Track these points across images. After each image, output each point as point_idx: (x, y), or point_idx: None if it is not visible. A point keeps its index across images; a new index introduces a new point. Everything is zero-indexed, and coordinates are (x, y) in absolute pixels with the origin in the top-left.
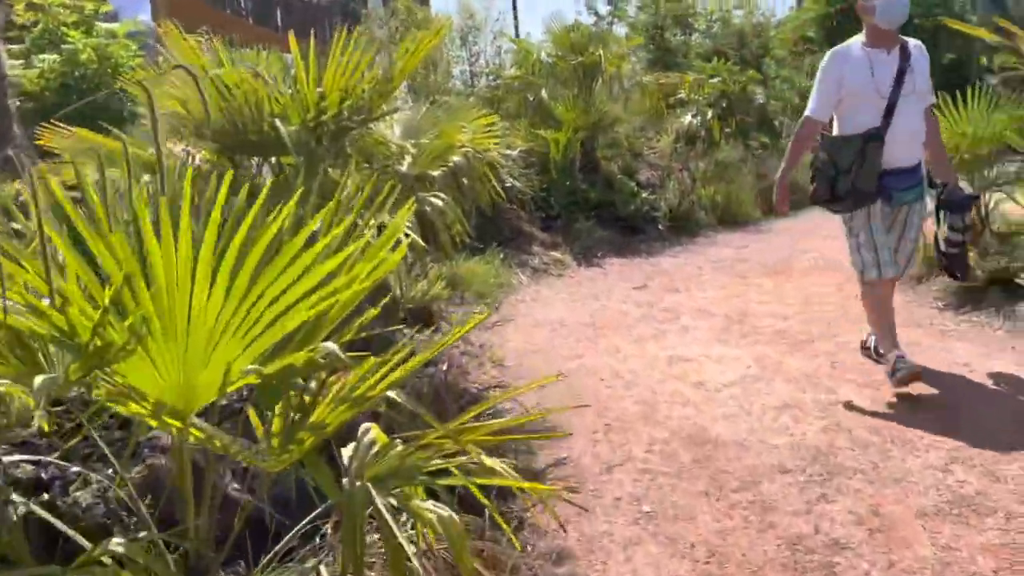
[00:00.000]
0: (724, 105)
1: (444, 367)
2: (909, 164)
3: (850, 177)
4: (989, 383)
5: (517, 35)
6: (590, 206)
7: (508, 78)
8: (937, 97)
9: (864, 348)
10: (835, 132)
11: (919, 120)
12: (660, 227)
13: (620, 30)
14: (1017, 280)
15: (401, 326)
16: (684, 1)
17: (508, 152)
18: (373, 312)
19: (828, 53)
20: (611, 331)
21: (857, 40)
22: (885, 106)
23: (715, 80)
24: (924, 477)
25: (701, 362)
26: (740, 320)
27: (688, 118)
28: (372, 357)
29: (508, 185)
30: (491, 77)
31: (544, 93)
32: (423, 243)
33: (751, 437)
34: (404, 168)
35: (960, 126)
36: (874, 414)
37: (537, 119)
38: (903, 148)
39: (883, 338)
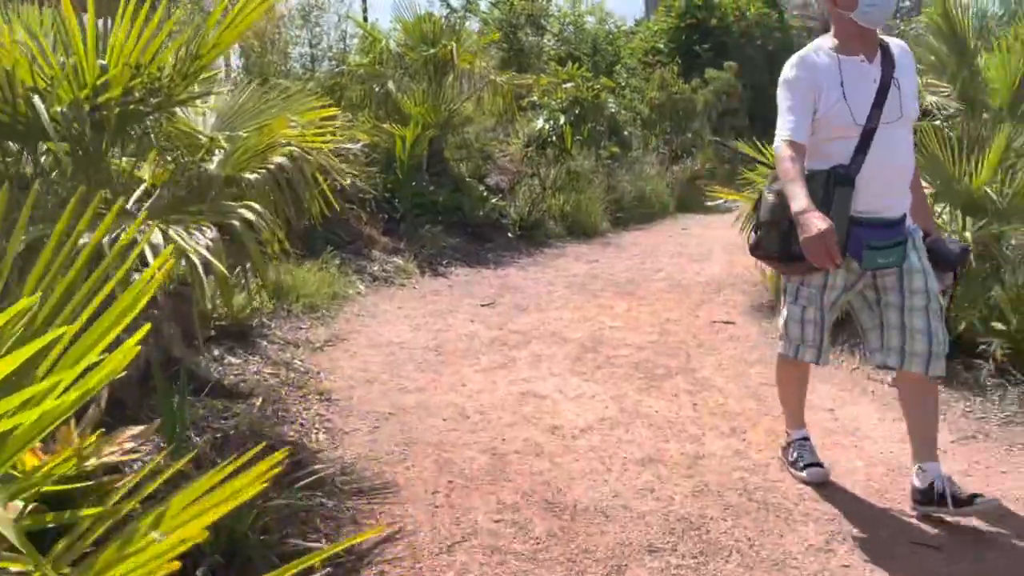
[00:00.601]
0: (577, 112)
1: (258, 402)
2: (892, 215)
3: None
4: (854, 430)
5: (365, 19)
6: (437, 210)
7: (353, 65)
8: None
9: (784, 451)
10: None
11: (907, 154)
12: (509, 235)
13: (473, 25)
14: None
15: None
16: (538, 1)
17: (349, 147)
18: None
19: (792, 60)
20: (457, 358)
21: (822, 44)
22: (859, 135)
23: (569, 85)
24: (805, 561)
25: (556, 400)
26: (595, 348)
27: (540, 122)
28: None
29: (348, 183)
30: (333, 63)
31: (391, 85)
32: (223, 270)
33: (614, 502)
34: (212, 168)
35: None
36: (743, 470)
37: (383, 112)
38: (883, 193)
39: (789, 416)
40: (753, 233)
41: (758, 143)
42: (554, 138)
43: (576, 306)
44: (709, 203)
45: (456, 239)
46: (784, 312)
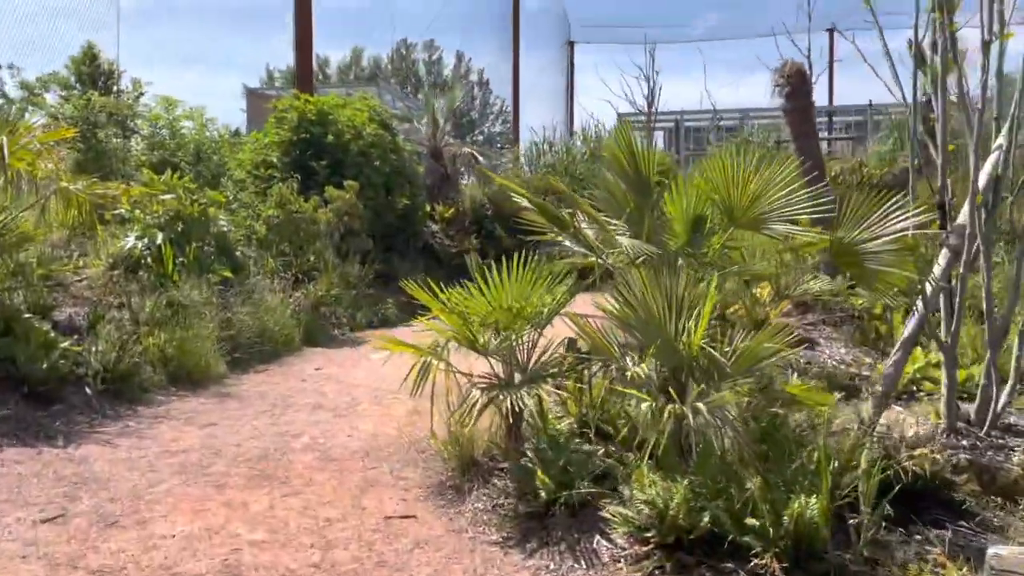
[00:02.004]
0: (180, 228)
1: None
2: None
3: None
4: None
5: None
6: None
7: None
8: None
9: None
10: None
11: None
12: (89, 391)
13: (37, 120)
14: (591, 499)
15: None
16: (122, 99)
17: None
18: None
19: None
20: None
21: None
22: None
23: (169, 197)
24: None
25: None
26: None
27: (131, 240)
28: None
29: None
30: None
31: None
32: None
33: None
34: None
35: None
36: None
37: None
38: None
39: None
40: None
41: (436, 286)
42: (149, 260)
43: (194, 507)
44: (339, 335)
45: (4, 405)
46: None
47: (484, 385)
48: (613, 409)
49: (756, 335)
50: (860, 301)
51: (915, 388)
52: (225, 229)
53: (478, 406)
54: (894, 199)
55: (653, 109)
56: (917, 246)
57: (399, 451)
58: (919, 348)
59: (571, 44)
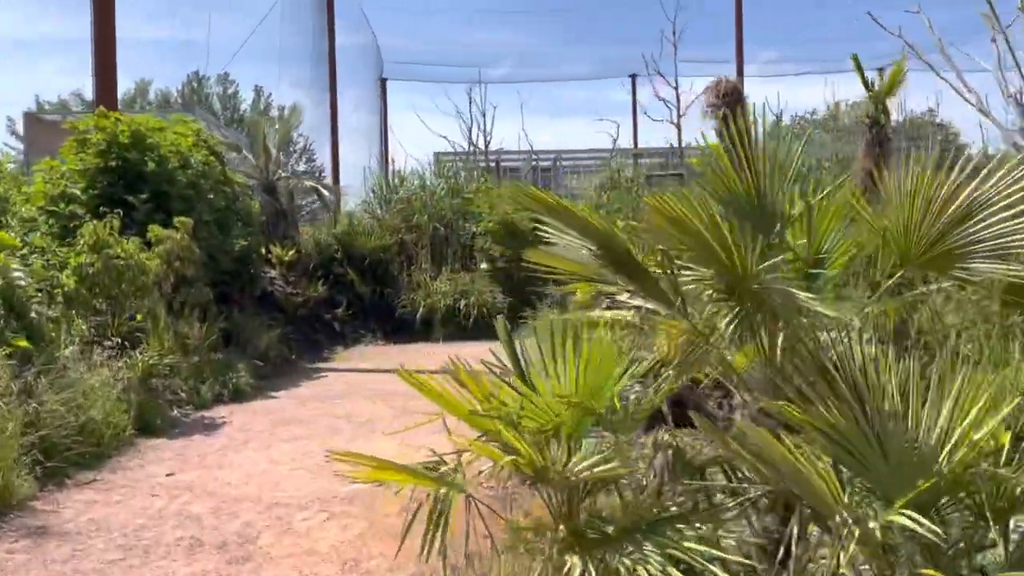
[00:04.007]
0: None
1: None
2: None
3: None
4: None
5: None
6: None
7: None
8: None
9: None
10: None
11: None
12: None
13: None
14: None
15: None
16: None
17: None
18: None
19: None
20: None
21: None
22: None
23: None
24: None
25: None
26: None
27: None
28: None
29: None
30: None
31: None
32: None
33: None
34: None
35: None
36: None
37: None
38: None
39: None
40: None
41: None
42: None
43: None
44: (181, 416)
45: None
46: None
47: (559, 539)
48: None
49: None
50: None
51: None
52: (20, 282)
53: None
54: None
55: (486, 148)
56: None
57: None
58: None
59: (383, 81)
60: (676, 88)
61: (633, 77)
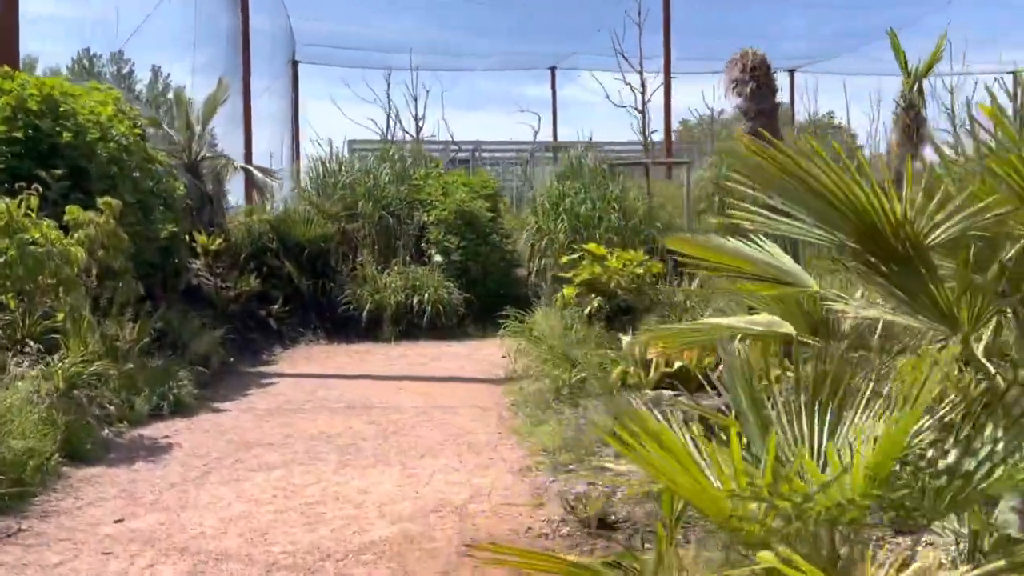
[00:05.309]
0: None
1: None
2: None
3: None
4: None
5: None
6: None
7: None
8: None
9: None
10: None
11: None
12: None
13: None
14: None
15: None
16: None
17: None
18: None
19: None
20: None
21: None
22: None
23: None
24: None
25: None
26: None
27: None
28: None
29: None
30: None
31: None
32: None
33: None
34: None
35: None
36: None
37: None
38: None
39: None
40: None
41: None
42: None
43: None
44: (113, 436)
45: None
46: None
47: None
48: None
49: None
50: None
51: None
52: None
53: None
54: None
55: (418, 134)
56: None
57: None
58: None
59: (295, 63)
60: (641, 73)
61: (552, 70)
